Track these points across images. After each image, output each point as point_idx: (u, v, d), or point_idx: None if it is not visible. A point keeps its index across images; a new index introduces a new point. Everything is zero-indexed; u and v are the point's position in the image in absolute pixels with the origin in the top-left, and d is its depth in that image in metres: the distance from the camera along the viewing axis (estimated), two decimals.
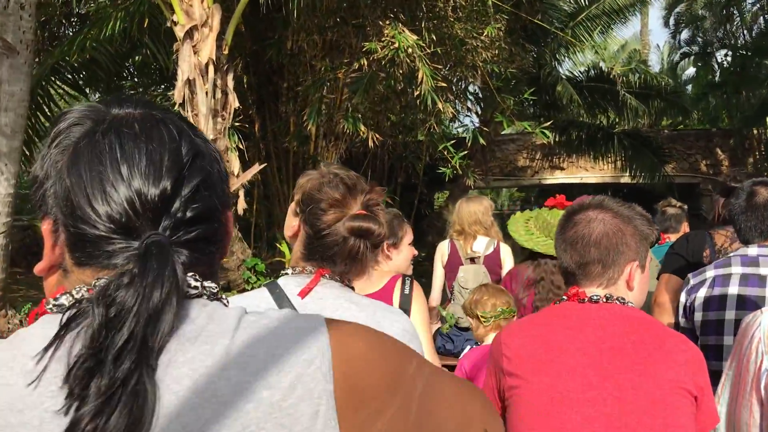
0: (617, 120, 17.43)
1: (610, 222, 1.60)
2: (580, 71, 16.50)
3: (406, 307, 2.28)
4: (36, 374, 0.65)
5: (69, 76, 8.80)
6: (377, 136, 11.02)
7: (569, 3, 15.92)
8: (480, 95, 17.83)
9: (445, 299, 4.42)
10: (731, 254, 2.41)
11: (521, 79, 13.32)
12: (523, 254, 3.30)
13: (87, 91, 9.64)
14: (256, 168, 7.55)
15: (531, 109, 15.59)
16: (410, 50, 8.19)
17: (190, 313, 0.71)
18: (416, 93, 9.16)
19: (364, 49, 8.38)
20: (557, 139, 16.68)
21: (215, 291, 0.76)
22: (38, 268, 0.77)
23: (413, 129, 12.55)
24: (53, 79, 8.57)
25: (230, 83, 7.25)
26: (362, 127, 10.24)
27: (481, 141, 11.77)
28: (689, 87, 18.71)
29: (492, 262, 4.19)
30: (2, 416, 0.65)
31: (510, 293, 3.01)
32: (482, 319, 2.82)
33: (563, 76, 15.01)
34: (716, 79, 19.78)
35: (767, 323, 1.61)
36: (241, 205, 7.44)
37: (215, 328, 0.71)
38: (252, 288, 5.92)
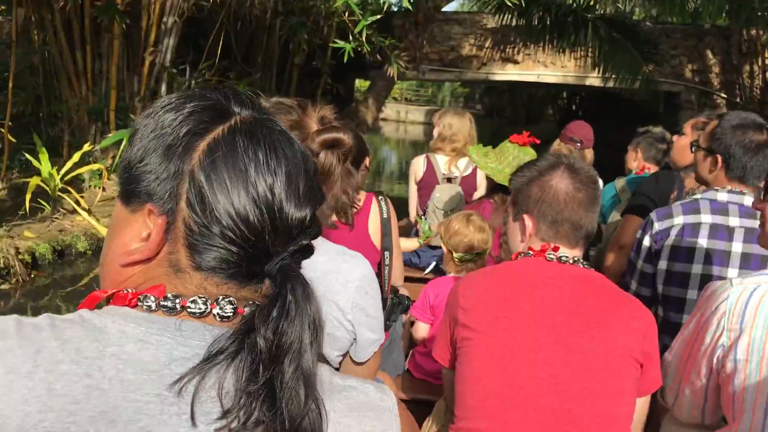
0: (592, 2, 13.41)
1: (582, 183, 1.64)
2: None
3: (387, 230, 2.34)
4: (155, 392, 0.64)
5: None
6: None
7: None
8: None
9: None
10: (699, 196, 2.33)
11: None
12: (489, 184, 3.37)
13: None
14: None
15: None
16: None
17: None
18: None
19: None
20: (514, 23, 12.83)
21: None
22: (133, 258, 0.71)
23: None
24: None
25: None
26: None
27: (406, 3, 7.62)
28: None
29: (468, 184, 4.05)
30: (94, 425, 0.61)
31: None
32: (455, 259, 2.80)
33: None
34: None
35: (734, 299, 1.58)
36: None
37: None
38: None
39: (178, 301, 0.69)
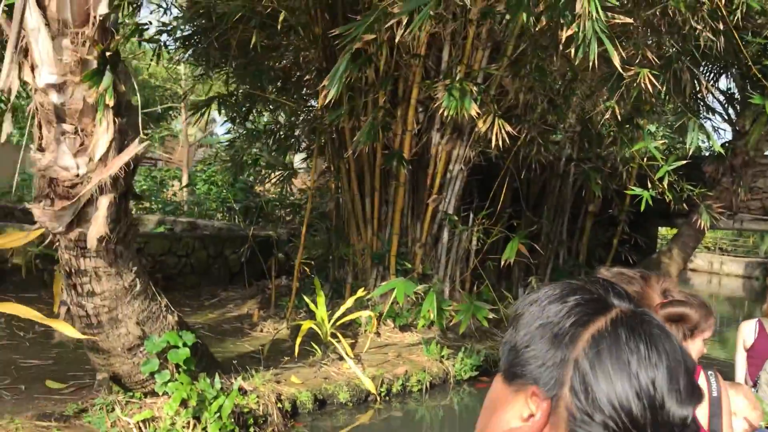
0: None
1: None
2: None
3: (716, 411, 2.11)
4: None
5: None
6: (506, 129, 6.38)
7: None
8: (734, 92, 12.08)
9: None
10: None
11: None
12: None
13: None
14: (137, 147, 3.57)
15: None
16: None
17: None
18: (567, 32, 4.65)
19: None
20: None
21: None
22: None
23: (591, 122, 7.60)
24: None
25: None
26: (474, 108, 5.68)
27: (717, 147, 6.72)
28: None
29: None
30: None
31: None
32: None
33: None
34: None
35: None
36: (102, 223, 3.45)
37: None
38: None
39: None
